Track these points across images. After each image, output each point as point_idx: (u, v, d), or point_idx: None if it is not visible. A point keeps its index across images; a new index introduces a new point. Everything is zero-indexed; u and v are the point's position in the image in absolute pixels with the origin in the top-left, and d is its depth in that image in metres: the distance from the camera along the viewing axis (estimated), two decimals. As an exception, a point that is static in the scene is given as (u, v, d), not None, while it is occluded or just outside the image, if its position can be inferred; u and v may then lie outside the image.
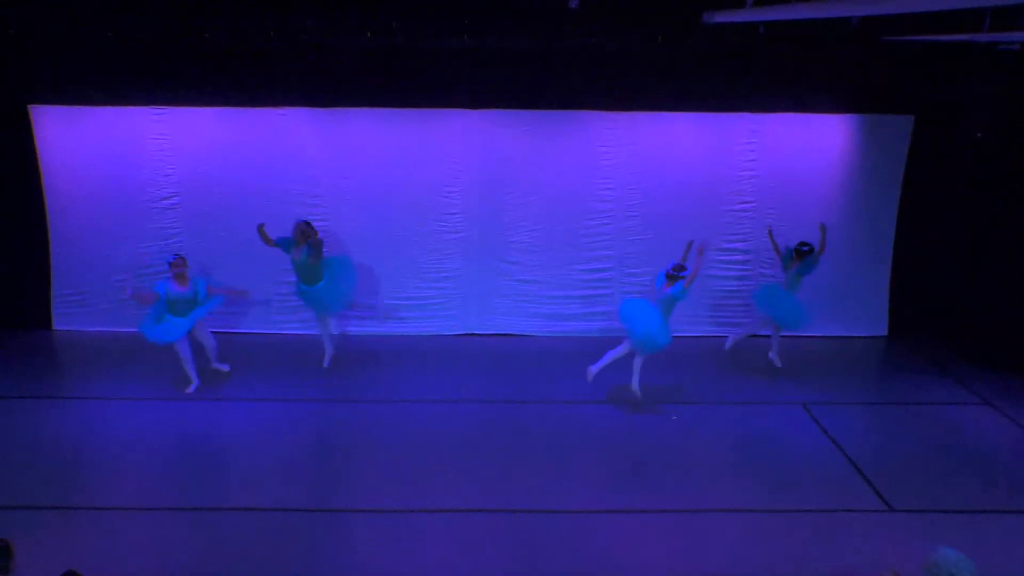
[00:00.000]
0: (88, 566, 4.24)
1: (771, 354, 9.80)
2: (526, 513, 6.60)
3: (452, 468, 7.34)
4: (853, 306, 10.91)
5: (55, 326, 10.59)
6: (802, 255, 9.34)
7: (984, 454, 7.86)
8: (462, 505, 6.71)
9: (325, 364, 9.53)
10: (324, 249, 9.16)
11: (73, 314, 10.56)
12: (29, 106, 9.96)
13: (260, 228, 9.08)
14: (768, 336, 9.89)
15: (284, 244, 9.16)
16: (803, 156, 10.49)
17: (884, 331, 11.07)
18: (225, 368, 9.26)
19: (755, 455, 7.85)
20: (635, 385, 8.62)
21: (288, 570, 5.82)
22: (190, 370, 8.74)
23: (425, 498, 6.80)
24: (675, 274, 8.29)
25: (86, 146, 10.09)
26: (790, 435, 8.19)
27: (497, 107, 10.18)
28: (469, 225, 10.53)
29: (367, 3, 8.81)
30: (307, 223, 9.18)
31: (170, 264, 8.54)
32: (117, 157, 10.09)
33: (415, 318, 10.76)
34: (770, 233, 9.80)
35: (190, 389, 8.73)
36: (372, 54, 9.62)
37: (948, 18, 7.63)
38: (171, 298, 8.48)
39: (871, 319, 11.03)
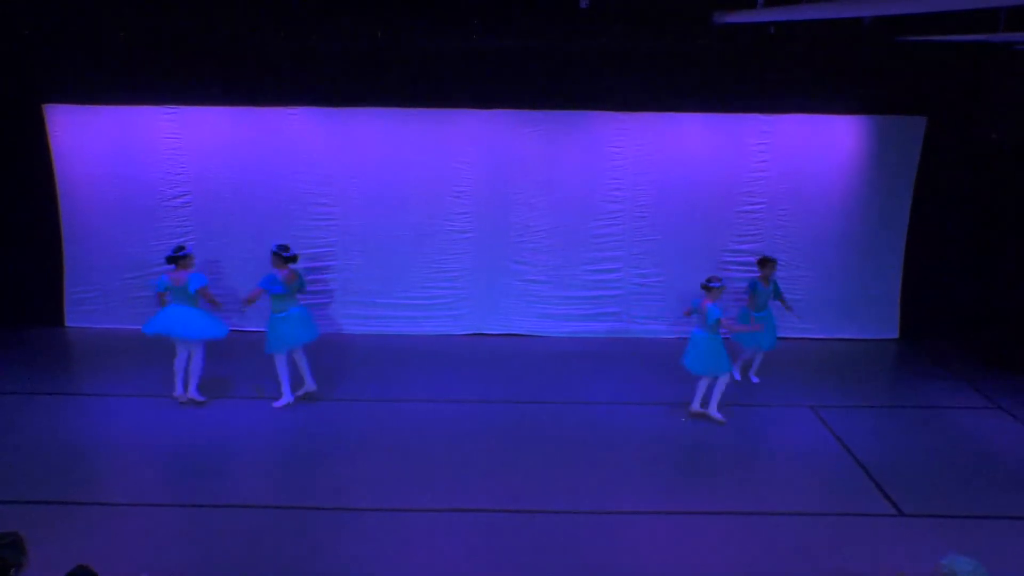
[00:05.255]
0: (100, 562, 4.26)
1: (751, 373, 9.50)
2: (530, 513, 6.59)
3: (457, 468, 7.34)
4: (864, 308, 10.86)
5: (68, 323, 10.68)
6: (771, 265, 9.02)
7: (995, 458, 7.79)
8: (466, 505, 6.71)
9: (305, 391, 8.67)
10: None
11: (86, 311, 10.64)
12: (43, 105, 10.05)
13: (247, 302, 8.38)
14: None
15: (273, 285, 8.21)
16: (814, 157, 10.44)
17: (895, 334, 10.99)
18: (201, 399, 8.48)
19: (763, 458, 7.82)
20: (714, 412, 8.39)
21: (297, 568, 5.84)
22: (179, 380, 8.44)
23: (429, 498, 6.80)
24: (710, 285, 8.11)
25: (99, 145, 10.17)
26: (799, 438, 8.15)
27: (507, 107, 10.18)
28: (478, 225, 10.54)
29: (377, 3, 8.83)
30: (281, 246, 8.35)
31: (177, 259, 8.17)
32: (129, 156, 10.17)
33: (423, 318, 10.77)
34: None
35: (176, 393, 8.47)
36: (382, 54, 9.65)
37: (962, 18, 7.58)
38: (168, 286, 8.24)
39: (882, 321, 10.96)
